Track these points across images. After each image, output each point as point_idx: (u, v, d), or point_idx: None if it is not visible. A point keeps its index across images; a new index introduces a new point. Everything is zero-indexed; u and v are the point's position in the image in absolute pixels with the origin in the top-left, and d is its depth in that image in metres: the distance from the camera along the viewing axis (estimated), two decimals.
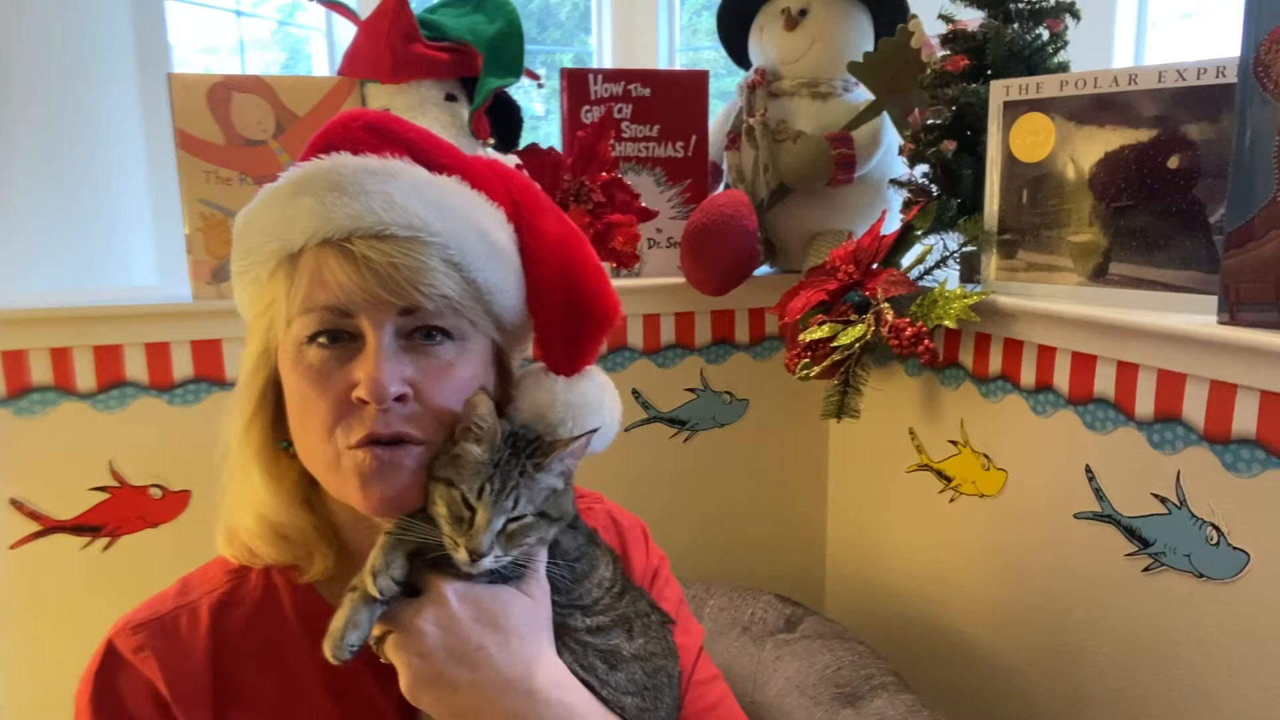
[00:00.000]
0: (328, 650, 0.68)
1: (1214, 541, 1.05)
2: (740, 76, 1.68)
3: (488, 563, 0.68)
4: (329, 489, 0.74)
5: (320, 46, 3.36)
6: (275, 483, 0.76)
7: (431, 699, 0.69)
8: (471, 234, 0.73)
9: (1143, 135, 1.14)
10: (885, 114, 1.55)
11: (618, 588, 0.81)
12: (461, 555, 0.68)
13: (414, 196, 0.71)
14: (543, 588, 0.75)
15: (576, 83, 1.51)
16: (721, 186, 1.71)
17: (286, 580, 0.80)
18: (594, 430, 0.76)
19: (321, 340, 0.70)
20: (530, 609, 0.73)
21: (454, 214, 0.73)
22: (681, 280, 1.52)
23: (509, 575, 0.72)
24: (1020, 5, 1.31)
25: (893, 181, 1.50)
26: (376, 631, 0.70)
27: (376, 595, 0.68)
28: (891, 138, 1.58)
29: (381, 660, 0.70)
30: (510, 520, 0.69)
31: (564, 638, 0.75)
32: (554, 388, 0.78)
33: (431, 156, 0.76)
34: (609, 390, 0.82)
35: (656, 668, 0.79)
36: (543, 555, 0.75)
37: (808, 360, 1.38)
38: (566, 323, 0.79)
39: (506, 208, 0.78)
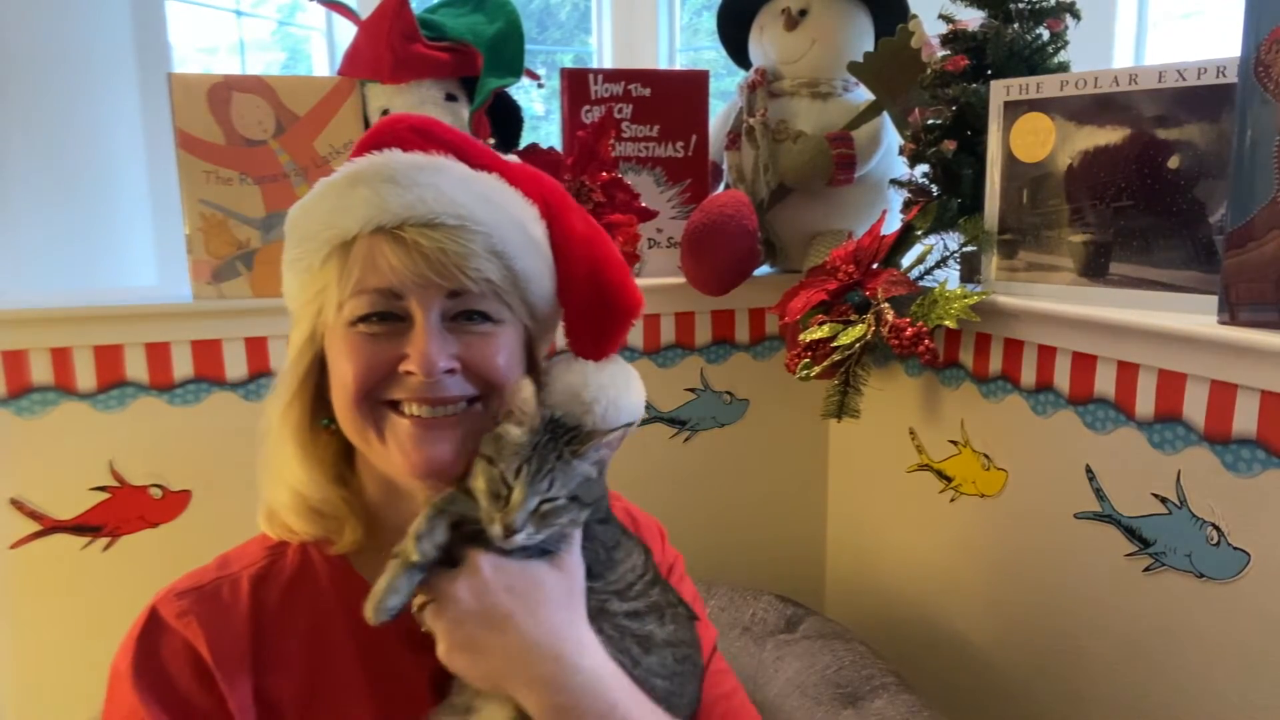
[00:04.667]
0: (368, 611, 0.72)
1: (1214, 541, 1.05)
2: (740, 76, 1.68)
3: (520, 539, 0.72)
4: (369, 454, 0.78)
5: (320, 46, 3.35)
6: (311, 459, 0.81)
7: (465, 662, 0.72)
8: (512, 225, 0.78)
9: (1143, 135, 1.14)
10: (885, 114, 1.55)
11: (650, 575, 0.84)
12: (496, 530, 0.72)
13: (461, 189, 0.77)
14: (577, 564, 0.78)
15: (576, 83, 1.51)
16: (721, 186, 1.71)
17: (321, 554, 0.83)
18: (630, 424, 0.81)
19: (372, 320, 0.75)
20: (562, 582, 0.76)
21: (496, 207, 0.78)
22: (681, 280, 1.51)
23: (545, 550, 0.76)
24: (1020, 5, 1.31)
25: (893, 181, 1.50)
26: (417, 601, 0.74)
27: (417, 559, 0.72)
28: (891, 138, 1.57)
29: (422, 628, 0.74)
30: (544, 501, 0.73)
31: (602, 622, 0.78)
32: (585, 370, 0.83)
33: (471, 157, 0.81)
34: (634, 375, 0.87)
35: (684, 655, 0.82)
36: (576, 536, 0.79)
37: (808, 360, 1.38)
38: (595, 312, 0.84)
39: (539, 205, 0.83)
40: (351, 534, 0.81)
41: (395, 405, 0.76)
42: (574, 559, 0.78)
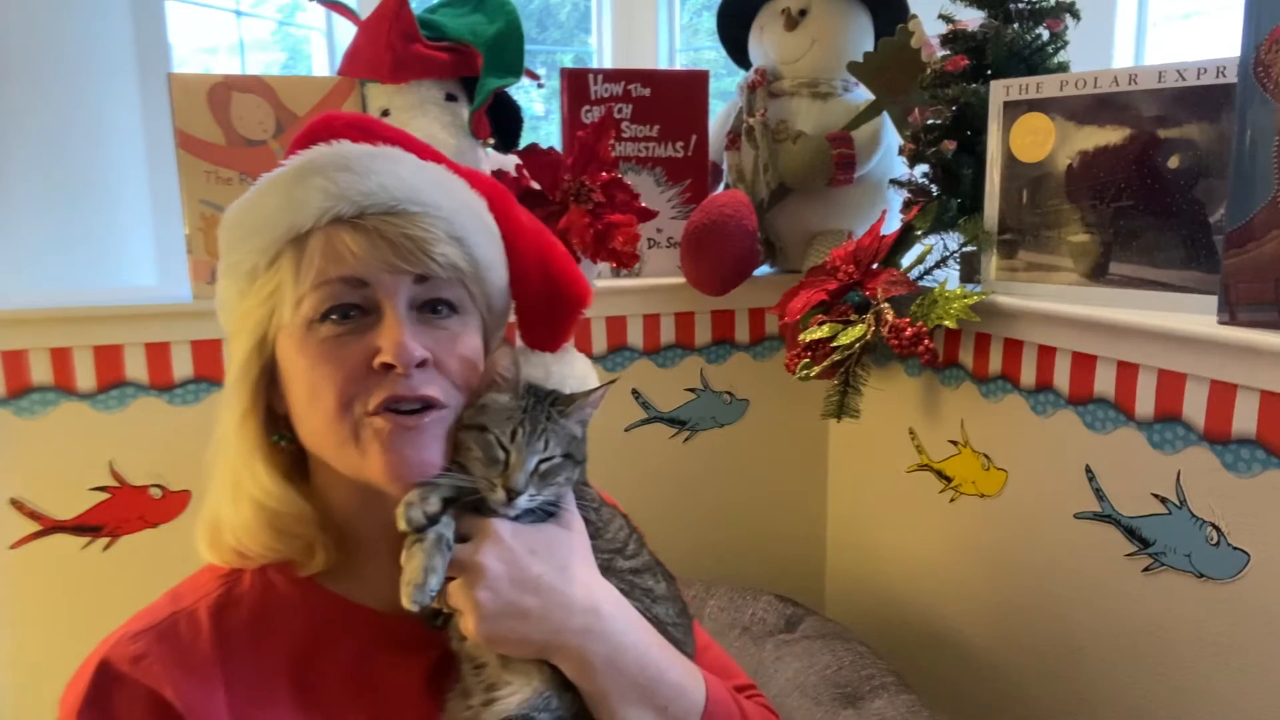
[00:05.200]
0: (409, 597, 0.69)
1: (1214, 541, 1.05)
2: (740, 76, 1.68)
3: (523, 501, 0.73)
4: (343, 466, 0.74)
5: (320, 46, 3.36)
6: (274, 472, 0.76)
7: (505, 631, 0.71)
8: (469, 213, 0.78)
9: (1143, 135, 1.14)
10: (885, 114, 1.55)
11: (637, 536, 0.86)
12: (499, 495, 0.72)
13: (418, 176, 0.76)
14: (579, 522, 0.79)
15: (576, 83, 1.51)
16: (721, 186, 1.71)
17: (286, 576, 0.78)
18: (612, 382, 0.81)
19: (333, 318, 0.72)
20: (574, 541, 0.77)
21: (452, 194, 0.78)
22: (681, 280, 1.52)
23: (548, 513, 0.76)
24: (1020, 5, 1.31)
25: (893, 181, 1.50)
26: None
27: (404, 526, 0.70)
28: (891, 138, 1.57)
29: (445, 609, 0.73)
30: (542, 460, 0.74)
31: (610, 578, 0.79)
32: (544, 361, 0.84)
33: (414, 151, 0.80)
34: (587, 360, 0.89)
35: (680, 609, 0.85)
36: (571, 497, 0.79)
37: (808, 360, 1.38)
38: (546, 304, 0.85)
39: (486, 200, 0.83)
40: (323, 553, 0.76)
41: (372, 413, 0.71)
42: (576, 518, 0.78)
